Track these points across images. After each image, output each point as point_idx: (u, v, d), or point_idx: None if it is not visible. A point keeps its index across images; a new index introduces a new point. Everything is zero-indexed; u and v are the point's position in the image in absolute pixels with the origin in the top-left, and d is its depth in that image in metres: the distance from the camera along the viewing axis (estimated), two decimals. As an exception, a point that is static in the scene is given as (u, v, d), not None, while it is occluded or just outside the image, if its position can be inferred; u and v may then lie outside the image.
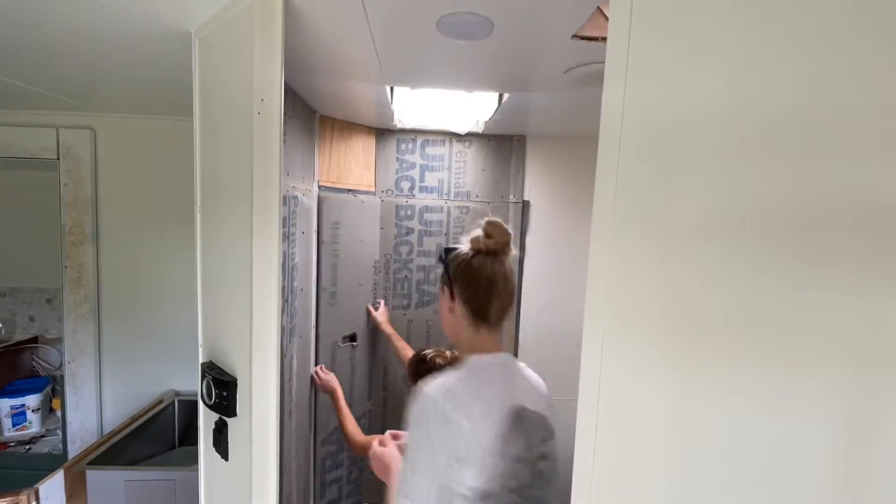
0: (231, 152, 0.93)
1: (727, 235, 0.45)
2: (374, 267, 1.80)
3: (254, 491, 0.91)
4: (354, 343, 1.73)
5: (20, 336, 2.27)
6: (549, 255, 1.84)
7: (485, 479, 0.76)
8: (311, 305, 1.57)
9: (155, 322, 1.90)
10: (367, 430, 1.87)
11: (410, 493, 0.78)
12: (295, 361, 1.42)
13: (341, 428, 1.46)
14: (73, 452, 1.82)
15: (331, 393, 1.51)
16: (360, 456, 1.33)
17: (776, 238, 0.42)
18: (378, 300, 1.81)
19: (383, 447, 0.99)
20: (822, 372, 0.40)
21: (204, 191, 1.05)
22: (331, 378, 1.53)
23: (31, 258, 2.26)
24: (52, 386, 2.17)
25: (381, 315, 1.74)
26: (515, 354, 1.87)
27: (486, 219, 0.92)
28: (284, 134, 0.86)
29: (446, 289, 0.92)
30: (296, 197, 1.36)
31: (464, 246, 0.92)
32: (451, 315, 0.91)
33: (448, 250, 0.94)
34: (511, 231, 0.92)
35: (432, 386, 0.81)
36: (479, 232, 0.91)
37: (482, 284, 0.88)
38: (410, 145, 1.79)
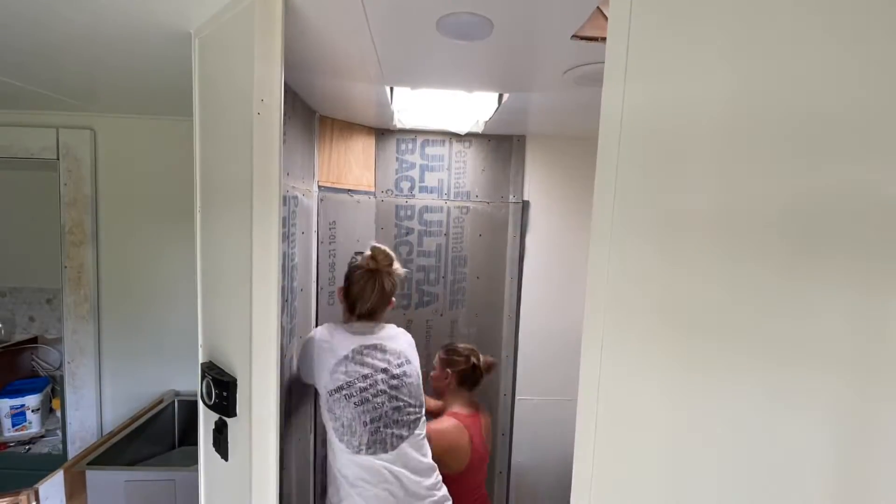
0: (231, 152, 0.93)
1: (727, 235, 0.45)
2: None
3: (254, 491, 0.91)
4: None
5: (20, 336, 2.27)
6: (548, 254, 1.84)
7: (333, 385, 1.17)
8: (311, 305, 1.57)
9: (155, 322, 1.90)
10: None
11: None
12: (295, 361, 1.42)
13: None
14: (72, 452, 1.82)
15: None
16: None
17: (776, 238, 0.42)
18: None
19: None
20: (822, 372, 0.40)
21: (204, 191, 1.05)
22: None
23: (31, 258, 2.26)
24: (51, 386, 2.16)
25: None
26: (515, 354, 1.87)
27: (373, 244, 1.30)
28: (284, 134, 0.86)
29: (344, 284, 1.30)
30: (296, 197, 1.36)
31: (360, 259, 1.29)
32: (341, 299, 1.31)
33: (356, 254, 1.34)
34: (391, 255, 1.28)
35: (314, 331, 1.25)
36: (368, 253, 1.28)
37: (356, 290, 1.25)
38: (410, 145, 1.79)
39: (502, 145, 1.81)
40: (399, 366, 1.22)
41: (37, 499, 1.28)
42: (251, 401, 0.89)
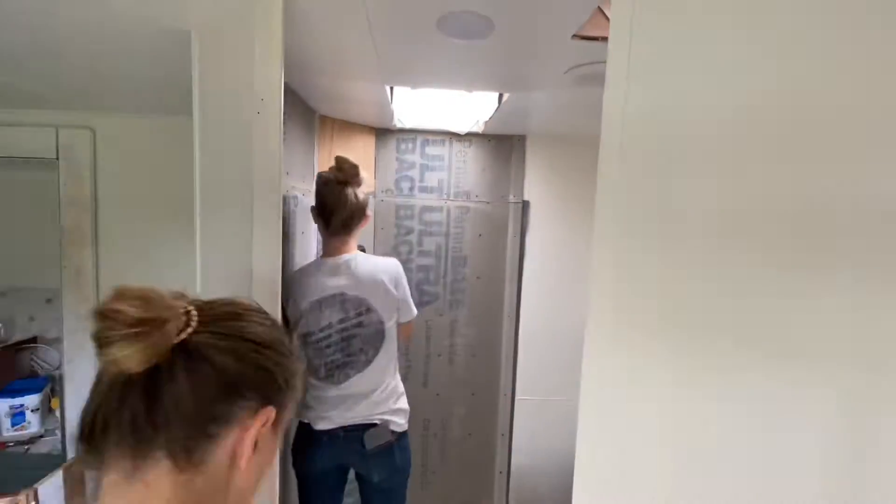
0: (231, 152, 0.93)
1: (728, 235, 0.45)
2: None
3: (254, 491, 0.90)
4: None
5: (19, 336, 2.27)
6: (548, 254, 1.84)
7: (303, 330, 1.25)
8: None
9: (154, 322, 1.89)
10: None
11: None
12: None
13: None
14: (72, 452, 1.82)
15: None
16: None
17: (777, 238, 0.42)
18: None
19: None
20: (821, 372, 0.40)
21: (204, 191, 1.05)
22: None
23: (30, 258, 2.26)
24: (51, 386, 2.16)
25: None
26: (515, 354, 1.87)
27: (337, 155, 1.26)
28: (284, 134, 0.86)
29: (314, 206, 1.28)
30: (296, 197, 1.36)
31: (325, 174, 1.27)
32: (318, 226, 1.30)
33: (321, 173, 1.29)
34: (356, 165, 1.25)
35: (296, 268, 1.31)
36: (332, 165, 1.25)
37: (329, 203, 1.23)
38: (410, 145, 1.79)
39: (502, 145, 1.81)
40: (358, 315, 1.26)
41: (36, 499, 1.28)
42: (251, 401, 0.89)
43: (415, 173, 1.80)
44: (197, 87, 1.03)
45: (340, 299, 1.23)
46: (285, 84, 0.86)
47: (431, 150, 1.80)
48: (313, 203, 1.27)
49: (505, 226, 1.84)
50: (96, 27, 1.01)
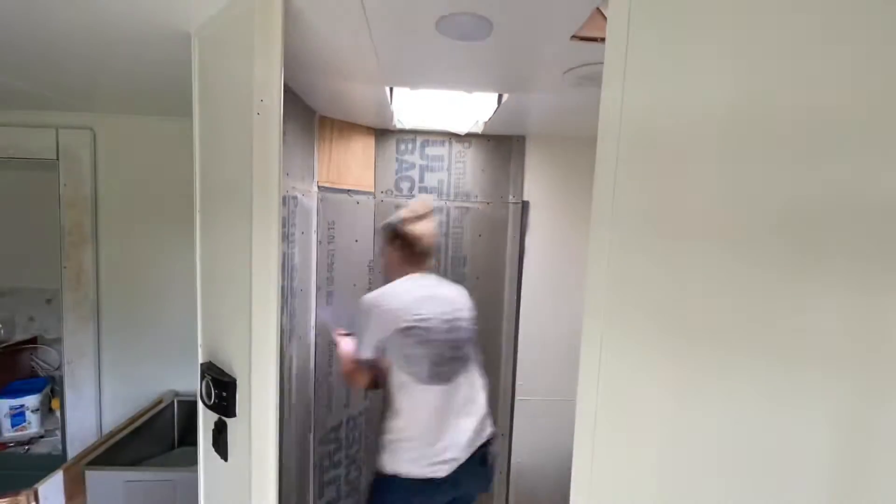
0: (231, 153, 0.94)
1: (726, 236, 0.45)
2: (370, 267, 1.80)
3: (253, 491, 0.91)
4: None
5: (20, 336, 2.27)
6: (548, 255, 1.84)
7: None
8: (311, 305, 1.57)
9: (155, 322, 1.90)
10: (365, 429, 1.87)
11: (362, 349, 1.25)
12: (294, 361, 1.42)
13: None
14: (72, 453, 1.82)
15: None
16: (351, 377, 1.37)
17: (775, 238, 0.42)
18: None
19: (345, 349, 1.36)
20: (821, 372, 0.40)
21: (203, 191, 1.05)
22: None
23: (30, 258, 2.26)
24: (51, 386, 2.16)
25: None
26: (515, 354, 1.87)
27: (410, 202, 1.38)
28: (284, 134, 0.86)
29: (394, 242, 1.34)
30: (295, 197, 1.36)
31: (402, 213, 1.35)
32: (389, 263, 1.36)
33: (386, 224, 1.38)
34: (429, 204, 1.36)
35: (366, 297, 1.26)
36: (405, 211, 1.35)
37: (412, 236, 1.30)
38: (410, 146, 1.79)
39: (502, 145, 1.81)
40: (458, 313, 1.30)
41: (36, 499, 1.28)
42: (251, 401, 0.89)
43: (414, 174, 1.80)
44: (196, 87, 1.03)
45: (444, 299, 1.29)
46: (285, 84, 0.86)
47: (431, 150, 1.80)
48: (396, 234, 1.32)
49: (505, 226, 1.84)
50: (96, 28, 1.02)
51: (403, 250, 1.33)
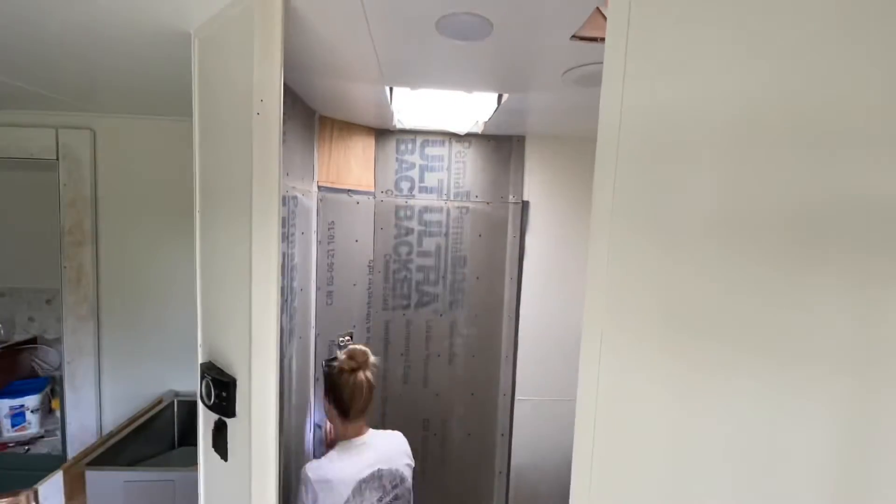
0: (230, 153, 0.94)
1: (726, 235, 0.45)
2: (370, 267, 1.80)
3: (253, 491, 0.91)
4: (351, 342, 1.73)
5: (19, 336, 2.27)
6: (548, 255, 1.84)
7: None
8: (311, 305, 1.57)
9: (154, 322, 1.89)
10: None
11: None
12: (294, 361, 1.42)
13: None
14: (72, 453, 1.82)
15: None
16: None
17: (776, 237, 0.42)
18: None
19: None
20: (823, 371, 0.40)
21: (203, 191, 1.05)
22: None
23: (30, 258, 2.26)
24: (51, 386, 2.16)
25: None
26: (515, 354, 1.87)
27: (350, 346, 1.36)
28: (284, 134, 0.86)
29: (328, 393, 1.33)
30: (295, 197, 1.36)
31: (338, 363, 1.33)
32: (330, 413, 1.33)
33: (328, 361, 1.38)
34: (366, 350, 1.35)
35: (309, 467, 1.21)
36: (342, 356, 1.33)
37: (347, 392, 1.28)
38: (410, 146, 1.79)
39: (502, 145, 1.81)
40: (394, 487, 1.30)
41: (36, 499, 1.28)
42: (251, 401, 0.89)
43: (414, 174, 1.80)
44: (196, 87, 1.03)
45: (377, 475, 1.26)
46: (285, 84, 0.86)
47: (431, 150, 1.80)
48: (324, 388, 1.32)
49: (504, 226, 1.84)
50: (96, 28, 1.02)
51: (333, 408, 1.31)
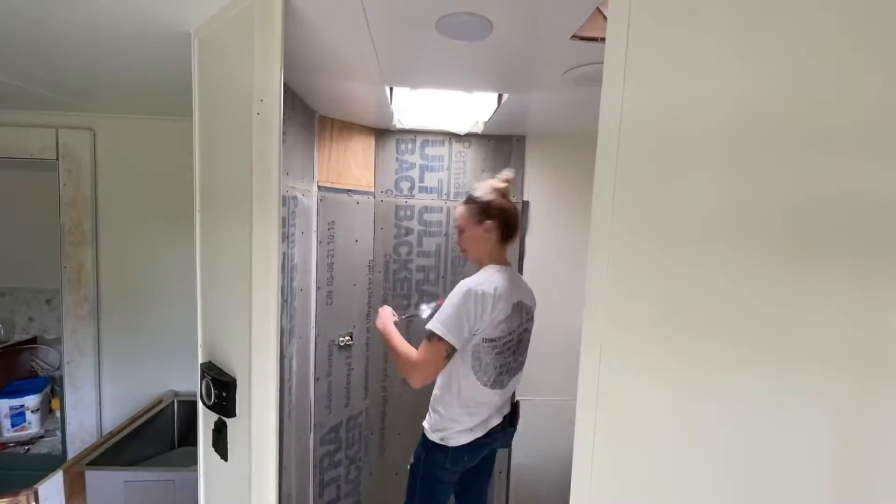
0: (230, 153, 0.94)
1: (726, 236, 0.45)
2: (370, 266, 1.80)
3: (253, 491, 0.91)
4: (351, 342, 1.74)
5: (19, 336, 2.27)
6: (548, 255, 1.84)
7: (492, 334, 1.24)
8: (311, 305, 1.57)
9: (154, 322, 1.90)
10: (364, 429, 1.87)
11: (442, 325, 1.21)
12: (294, 361, 1.42)
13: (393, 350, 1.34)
14: (72, 453, 1.82)
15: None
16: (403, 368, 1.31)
17: (776, 239, 0.42)
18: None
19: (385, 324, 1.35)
20: (823, 371, 0.40)
21: (203, 191, 1.05)
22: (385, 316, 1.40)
23: (30, 258, 2.26)
24: (51, 386, 2.16)
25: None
26: (515, 355, 1.87)
27: (505, 178, 1.34)
28: (284, 134, 0.86)
29: (485, 222, 1.31)
30: (295, 197, 1.36)
31: (491, 186, 1.34)
32: (485, 238, 1.32)
33: (471, 197, 1.37)
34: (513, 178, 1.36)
35: (478, 283, 1.23)
36: (495, 184, 1.33)
37: (510, 213, 1.32)
38: (410, 145, 1.79)
39: (502, 145, 1.81)
40: (526, 321, 1.34)
41: (36, 499, 1.28)
42: (251, 401, 0.89)
43: (414, 174, 1.80)
44: (196, 87, 1.03)
45: (520, 306, 1.30)
46: (285, 84, 0.86)
47: (431, 150, 1.80)
48: (485, 215, 1.31)
49: (504, 226, 1.84)
50: (97, 28, 1.02)
51: (499, 230, 1.31)
